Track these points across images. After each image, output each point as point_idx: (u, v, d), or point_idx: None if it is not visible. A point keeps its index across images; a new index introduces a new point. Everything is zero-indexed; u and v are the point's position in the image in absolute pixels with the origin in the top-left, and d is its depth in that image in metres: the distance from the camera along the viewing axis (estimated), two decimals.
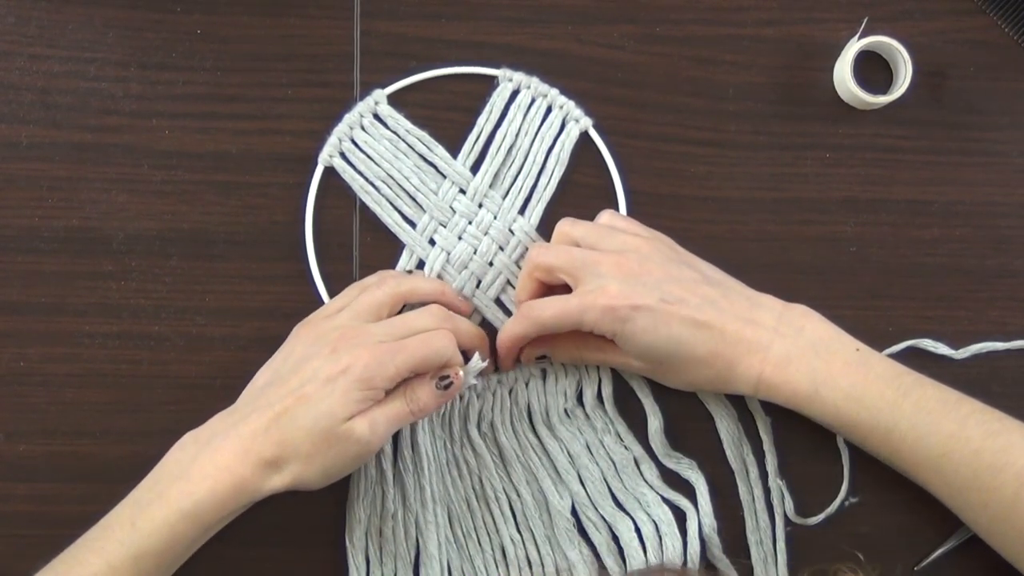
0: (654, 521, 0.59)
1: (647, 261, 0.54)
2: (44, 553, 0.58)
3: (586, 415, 0.60)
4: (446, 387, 0.54)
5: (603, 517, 0.59)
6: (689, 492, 0.60)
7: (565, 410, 0.60)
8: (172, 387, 0.60)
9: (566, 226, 0.58)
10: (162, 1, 0.62)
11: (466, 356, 0.56)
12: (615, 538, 0.59)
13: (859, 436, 0.55)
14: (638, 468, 0.60)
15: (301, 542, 0.60)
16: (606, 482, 0.60)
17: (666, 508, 0.59)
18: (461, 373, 0.54)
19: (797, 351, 0.54)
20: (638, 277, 0.54)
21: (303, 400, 0.50)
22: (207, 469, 0.50)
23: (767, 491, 0.61)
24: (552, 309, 0.55)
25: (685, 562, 0.59)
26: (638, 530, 0.59)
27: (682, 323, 0.53)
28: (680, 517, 0.59)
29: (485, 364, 0.56)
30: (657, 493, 0.59)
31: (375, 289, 0.56)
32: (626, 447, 0.60)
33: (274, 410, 0.51)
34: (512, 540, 0.59)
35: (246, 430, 0.51)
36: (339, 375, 0.50)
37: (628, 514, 0.59)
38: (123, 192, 0.61)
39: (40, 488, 0.59)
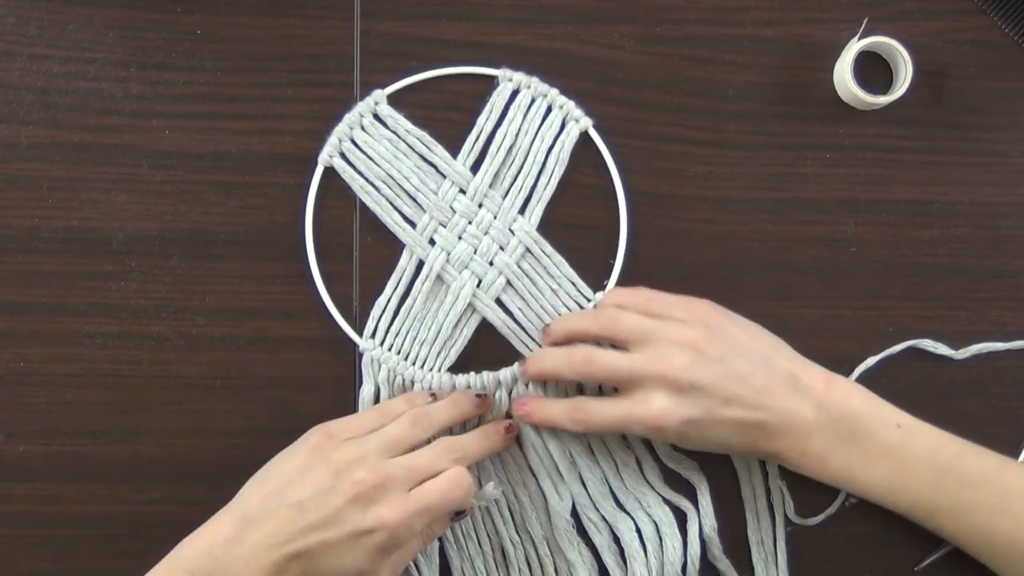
0: (654, 521, 0.59)
1: (695, 367, 0.53)
2: (44, 553, 0.59)
3: None
4: (460, 518, 0.56)
5: (604, 517, 0.59)
6: (691, 493, 0.60)
7: None
8: (172, 387, 0.60)
9: (612, 306, 0.57)
10: (162, 1, 0.62)
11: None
12: (616, 539, 0.59)
13: (901, 512, 0.55)
14: (640, 468, 0.60)
15: None
16: (607, 482, 0.60)
17: (667, 508, 0.59)
18: (475, 503, 0.56)
19: (836, 440, 0.54)
20: (686, 389, 0.53)
21: (327, 548, 0.50)
22: None
23: (768, 491, 0.61)
24: (599, 418, 0.55)
25: (685, 564, 0.59)
26: (639, 530, 0.59)
27: (729, 427, 0.54)
28: (681, 518, 0.59)
29: (498, 494, 0.57)
30: (658, 493, 0.59)
31: (407, 427, 0.55)
32: (629, 447, 0.60)
33: (295, 547, 0.49)
34: (512, 542, 0.59)
35: (267, 562, 0.49)
36: (365, 534, 0.50)
37: (629, 514, 0.59)
38: (123, 192, 0.61)
39: (40, 488, 0.59)
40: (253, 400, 0.60)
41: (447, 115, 0.62)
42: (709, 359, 0.54)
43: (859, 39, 0.62)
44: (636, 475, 0.60)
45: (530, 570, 0.60)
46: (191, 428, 0.60)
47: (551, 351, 0.58)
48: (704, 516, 0.59)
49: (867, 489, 0.55)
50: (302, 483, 0.51)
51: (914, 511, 0.55)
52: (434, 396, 0.58)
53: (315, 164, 0.61)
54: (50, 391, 0.59)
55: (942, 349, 0.62)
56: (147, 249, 0.60)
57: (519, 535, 0.60)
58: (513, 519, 0.60)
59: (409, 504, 0.51)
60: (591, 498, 0.59)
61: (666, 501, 0.59)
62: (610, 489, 0.60)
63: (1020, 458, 0.62)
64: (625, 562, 0.59)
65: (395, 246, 0.61)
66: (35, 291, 0.60)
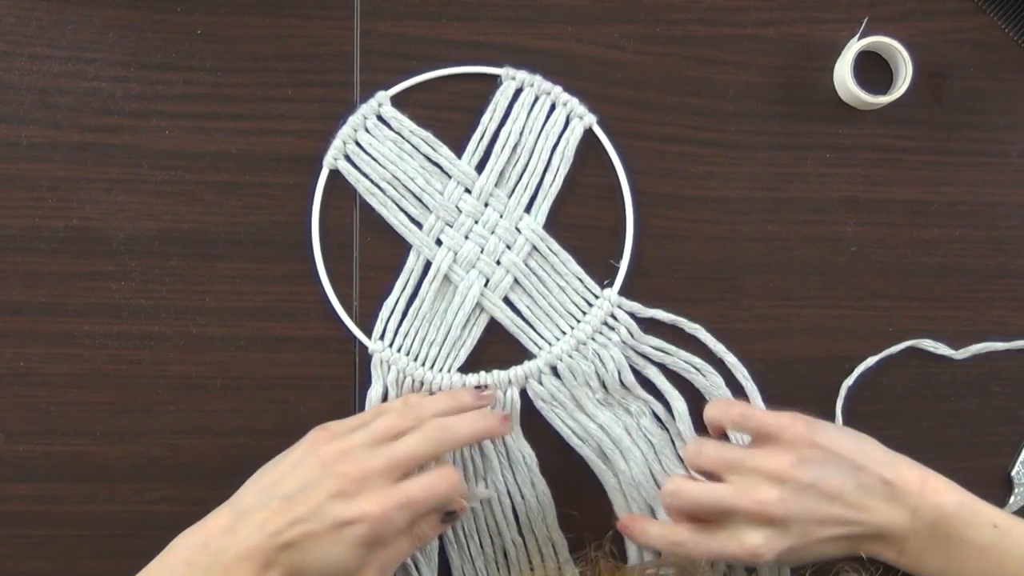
0: None
1: (785, 501, 0.52)
2: (44, 553, 0.59)
3: (618, 401, 0.61)
4: (451, 520, 0.55)
5: (645, 499, 0.60)
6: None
7: (598, 399, 0.60)
8: (172, 387, 0.60)
9: (707, 418, 0.58)
10: (162, 1, 0.62)
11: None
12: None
13: None
14: (675, 449, 0.61)
15: None
16: (647, 463, 0.60)
17: None
18: (466, 504, 0.55)
19: (932, 543, 0.53)
20: (778, 523, 0.52)
21: (311, 539, 0.50)
22: None
23: None
24: (694, 549, 0.54)
25: None
26: None
27: (826, 544, 0.53)
28: None
29: (489, 495, 0.57)
30: (694, 476, 0.60)
31: (395, 418, 0.55)
32: (664, 428, 0.60)
33: (282, 537, 0.50)
34: (514, 543, 0.59)
35: (257, 551, 0.50)
36: (347, 525, 0.50)
37: None
38: (123, 192, 0.61)
39: (40, 488, 0.59)
40: (253, 400, 0.60)
41: (449, 115, 0.62)
42: (799, 487, 0.53)
43: (859, 39, 0.62)
44: (672, 456, 0.61)
45: (532, 572, 0.60)
46: (191, 428, 0.60)
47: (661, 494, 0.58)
48: None
49: None
50: (292, 477, 0.52)
51: None
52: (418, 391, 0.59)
53: (316, 164, 0.61)
54: (50, 391, 0.59)
55: (942, 349, 0.62)
56: (147, 249, 0.60)
57: (522, 536, 0.60)
58: (517, 520, 0.60)
59: (391, 496, 0.51)
60: (633, 479, 0.60)
61: None
62: (650, 470, 0.60)
63: (1020, 458, 0.62)
64: None
65: (396, 246, 0.61)
66: (35, 291, 0.60)
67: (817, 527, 0.53)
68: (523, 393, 0.60)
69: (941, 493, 0.54)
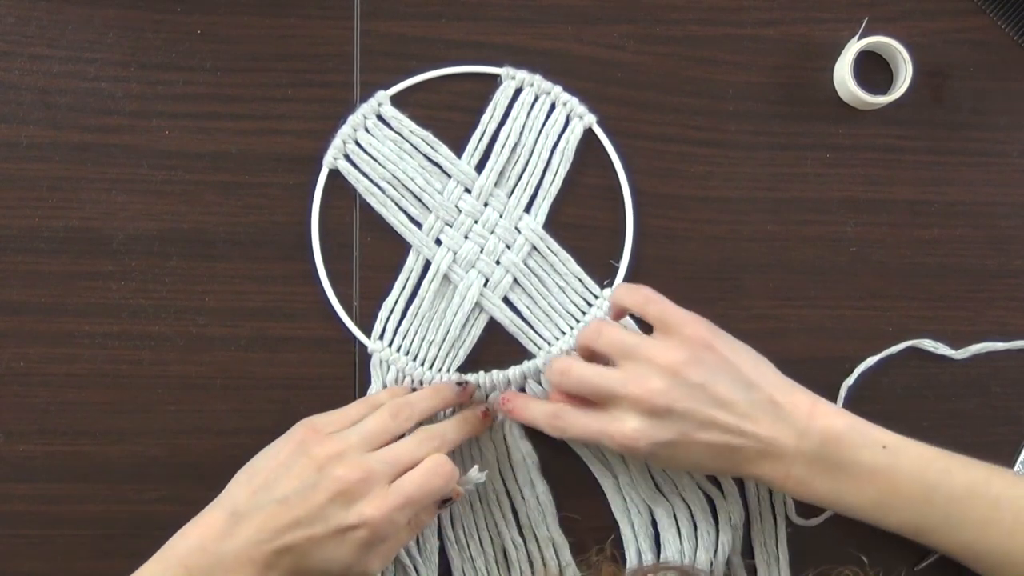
0: (688, 507, 0.59)
1: (671, 391, 0.52)
2: (44, 553, 0.59)
3: None
4: (446, 505, 0.56)
5: (644, 499, 0.60)
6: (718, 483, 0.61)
7: None
8: (172, 387, 0.60)
9: (614, 303, 0.58)
10: (162, 1, 0.62)
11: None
12: (654, 522, 0.60)
13: (890, 530, 0.54)
14: None
15: None
16: (646, 465, 0.60)
17: (701, 495, 0.59)
18: (460, 489, 0.56)
19: (820, 467, 0.53)
20: (661, 413, 0.52)
21: (313, 543, 0.50)
22: None
23: (770, 493, 0.61)
24: (575, 429, 0.54)
25: (716, 551, 0.59)
26: (675, 515, 0.59)
27: (703, 449, 0.53)
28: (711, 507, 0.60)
29: (483, 478, 0.57)
30: (693, 479, 0.60)
31: (387, 419, 0.55)
32: None
33: (283, 541, 0.50)
34: (514, 543, 0.59)
35: (258, 556, 0.50)
36: (349, 530, 0.51)
37: (665, 497, 0.60)
38: (123, 192, 0.61)
39: (40, 488, 0.59)
40: (253, 400, 0.60)
41: (449, 115, 0.62)
42: (688, 383, 0.52)
43: (859, 39, 0.62)
44: None
45: (532, 571, 0.60)
46: (191, 428, 0.60)
47: (545, 370, 0.58)
48: (731, 505, 0.59)
49: (854, 510, 0.54)
50: (287, 478, 0.52)
51: (903, 529, 0.54)
52: (413, 389, 0.59)
53: (316, 164, 0.61)
54: (50, 391, 0.59)
55: (942, 349, 0.62)
56: (147, 249, 0.60)
57: (522, 536, 0.60)
58: (517, 520, 0.60)
59: (390, 498, 0.51)
60: (632, 479, 0.60)
61: (699, 487, 0.60)
62: (650, 472, 0.60)
63: (1020, 458, 0.62)
64: (659, 546, 0.59)
65: (396, 246, 0.61)
66: (35, 291, 0.60)
67: (698, 428, 0.52)
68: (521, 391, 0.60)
69: (830, 416, 0.54)
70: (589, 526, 0.60)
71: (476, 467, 0.56)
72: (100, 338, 0.60)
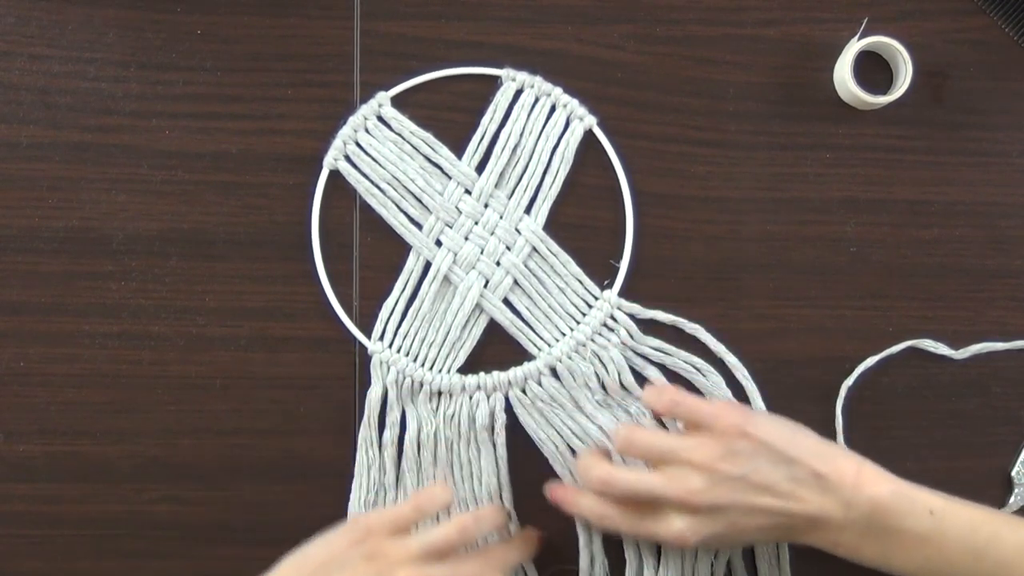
0: None
1: (712, 489, 0.53)
2: (44, 553, 0.59)
3: (617, 402, 0.60)
4: None
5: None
6: None
7: (597, 400, 0.60)
8: (172, 387, 0.60)
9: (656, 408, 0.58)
10: (162, 1, 0.62)
11: None
12: None
13: None
14: None
15: (301, 542, 0.60)
16: (647, 465, 0.60)
17: None
18: None
19: (868, 534, 0.53)
20: (704, 511, 0.53)
21: None
22: None
23: None
24: (625, 529, 0.55)
25: (717, 552, 0.59)
26: None
27: (754, 532, 0.53)
28: None
29: None
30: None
31: (453, 533, 0.55)
32: (663, 428, 0.60)
33: None
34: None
35: None
36: None
37: None
38: (123, 192, 0.61)
39: (40, 488, 0.59)
40: (253, 400, 0.60)
41: (450, 115, 0.62)
42: (729, 477, 0.53)
43: (859, 39, 0.62)
44: None
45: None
46: (191, 428, 0.60)
47: (580, 462, 0.58)
48: None
49: (904, 571, 0.54)
50: (340, 574, 0.52)
51: None
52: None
53: (316, 164, 0.61)
54: (50, 391, 0.59)
55: (942, 349, 0.62)
56: (147, 249, 0.60)
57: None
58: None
59: None
60: None
61: None
62: None
63: (1020, 458, 0.62)
64: (659, 549, 0.59)
65: (396, 246, 0.61)
66: (35, 291, 0.60)
67: (745, 516, 0.53)
68: (507, 406, 0.60)
69: (875, 483, 0.53)
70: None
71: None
72: (100, 338, 0.60)
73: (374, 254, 0.61)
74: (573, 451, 0.60)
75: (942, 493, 0.54)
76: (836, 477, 0.53)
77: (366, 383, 0.60)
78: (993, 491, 0.62)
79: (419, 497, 0.57)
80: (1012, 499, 0.62)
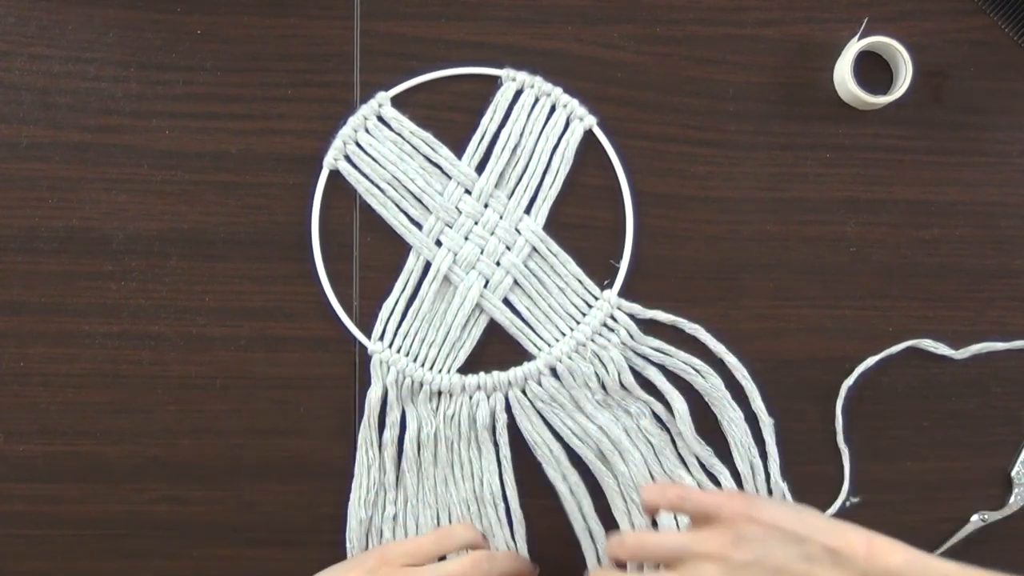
0: None
1: (733, 573, 0.52)
2: (44, 553, 0.59)
3: (617, 402, 0.61)
4: None
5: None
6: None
7: (597, 400, 0.60)
8: (172, 387, 0.60)
9: (645, 504, 0.58)
10: (162, 1, 0.62)
11: None
12: (654, 522, 0.60)
13: None
14: (676, 450, 0.61)
15: (301, 542, 0.60)
16: (647, 465, 0.60)
17: None
18: None
19: None
20: None
21: None
22: None
23: (770, 492, 0.61)
24: None
25: None
26: (677, 521, 0.60)
27: None
28: None
29: None
30: (694, 476, 0.60)
31: (468, 567, 0.55)
32: (664, 428, 0.61)
33: None
34: (507, 544, 0.60)
35: None
36: None
37: None
38: (123, 192, 0.61)
39: (40, 488, 0.59)
40: (253, 400, 0.60)
41: (450, 115, 0.62)
42: (742, 564, 0.52)
43: (859, 39, 0.62)
44: (673, 457, 0.61)
45: None
46: (191, 428, 0.60)
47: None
48: None
49: None
50: None
51: None
52: (485, 538, 0.59)
53: (316, 164, 0.61)
54: (50, 391, 0.59)
55: (942, 349, 0.62)
56: (147, 249, 0.60)
57: (513, 539, 0.60)
58: (509, 521, 0.60)
59: None
60: (633, 480, 0.60)
61: (699, 485, 0.60)
62: (650, 472, 0.60)
63: (1020, 458, 0.62)
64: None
65: (396, 246, 0.61)
66: (35, 291, 0.60)
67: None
68: (507, 405, 0.61)
69: (889, 553, 0.53)
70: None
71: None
72: (100, 338, 0.60)
73: (374, 254, 0.61)
74: (570, 454, 0.60)
75: (955, 561, 0.53)
76: (849, 550, 0.52)
77: (366, 383, 0.60)
78: (993, 491, 0.63)
79: (441, 532, 0.57)
80: (1012, 499, 0.62)
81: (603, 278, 0.62)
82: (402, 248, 0.61)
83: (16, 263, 0.60)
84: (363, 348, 0.60)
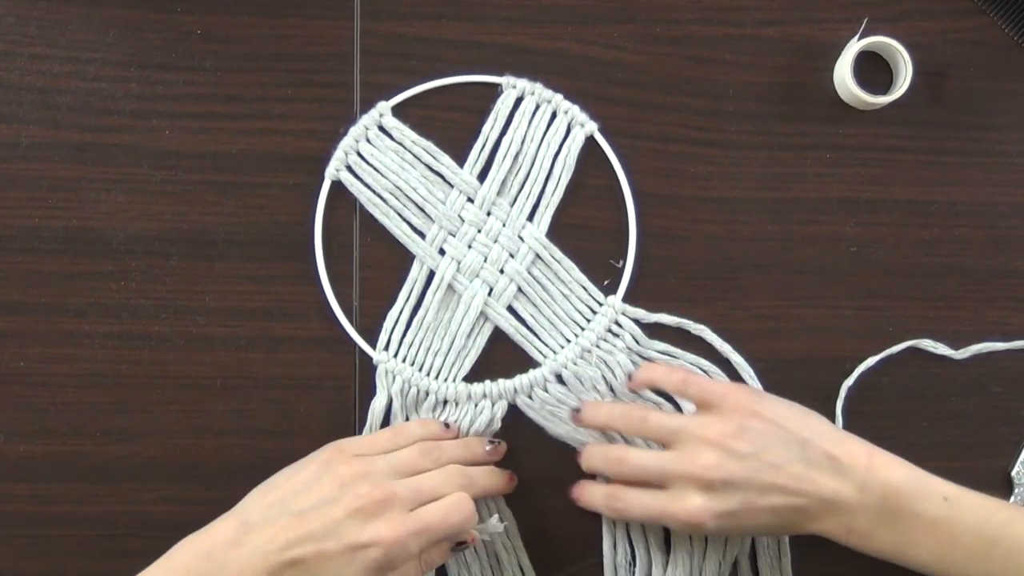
0: None
1: (725, 465, 0.53)
2: (44, 553, 0.59)
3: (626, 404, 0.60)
4: (461, 549, 0.55)
5: None
6: None
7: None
8: (172, 387, 0.60)
9: (645, 382, 0.58)
10: (162, 1, 0.62)
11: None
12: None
13: None
14: None
15: None
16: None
17: None
18: (477, 535, 0.55)
19: (881, 519, 0.53)
20: (718, 487, 0.52)
21: (322, 559, 0.50)
22: None
23: None
24: (635, 510, 0.55)
25: (725, 552, 0.59)
26: None
27: (768, 514, 0.53)
28: None
29: (501, 527, 0.56)
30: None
31: (416, 455, 0.55)
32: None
33: (292, 554, 0.49)
34: (504, 547, 0.60)
35: (262, 567, 0.49)
36: (362, 548, 0.50)
37: None
38: (123, 192, 0.61)
39: (40, 488, 0.59)
40: (253, 400, 0.60)
41: (451, 115, 0.62)
42: (740, 454, 0.52)
43: (859, 39, 0.62)
44: None
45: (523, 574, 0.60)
46: (191, 428, 0.60)
47: (592, 449, 0.58)
48: None
49: (916, 564, 0.53)
50: (307, 494, 0.51)
51: None
52: (447, 426, 0.59)
53: (316, 164, 0.61)
54: (50, 391, 0.59)
55: (942, 349, 0.62)
56: (147, 249, 0.60)
57: (509, 540, 0.60)
58: (505, 527, 0.60)
59: (408, 523, 0.51)
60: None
61: None
62: None
63: (1020, 458, 0.62)
64: (669, 543, 0.59)
65: (395, 247, 0.61)
66: (35, 291, 0.60)
67: (759, 495, 0.52)
68: (512, 407, 0.61)
69: (889, 467, 0.53)
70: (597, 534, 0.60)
71: (496, 516, 0.56)
72: (100, 338, 0.60)
73: (374, 255, 0.61)
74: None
75: (955, 484, 0.54)
76: (849, 460, 0.53)
77: (366, 383, 0.60)
78: (993, 491, 0.62)
79: (396, 428, 0.58)
80: (1012, 499, 0.62)
81: (605, 277, 0.62)
82: (403, 248, 0.61)
83: (16, 263, 0.60)
84: (363, 349, 0.60)
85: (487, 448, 0.59)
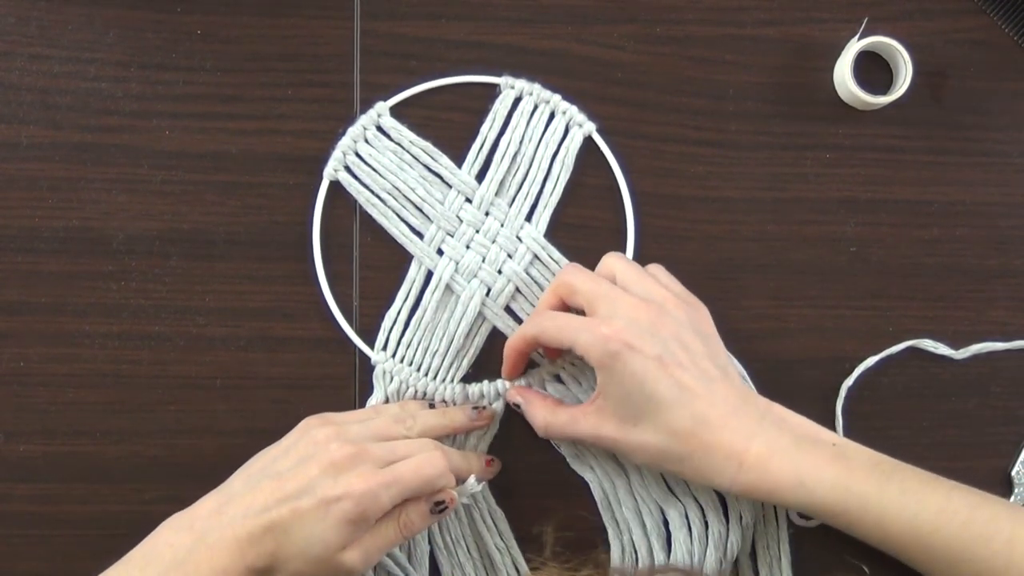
0: (700, 507, 0.59)
1: (665, 316, 0.53)
2: (44, 553, 0.59)
3: None
4: (440, 510, 0.54)
5: (656, 500, 0.60)
6: None
7: None
8: (172, 387, 0.60)
9: (611, 259, 0.57)
10: (162, 1, 0.62)
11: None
12: (665, 522, 0.60)
13: (846, 522, 0.53)
14: None
15: None
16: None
17: (713, 494, 0.59)
18: (455, 496, 0.55)
19: (780, 446, 0.53)
20: (649, 327, 0.53)
21: (298, 516, 0.50)
22: (202, 569, 0.49)
23: None
24: (556, 320, 0.55)
25: (726, 550, 0.59)
26: (687, 515, 0.59)
27: (671, 384, 0.52)
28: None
29: (480, 488, 0.56)
30: None
31: (390, 422, 0.56)
32: None
33: (269, 516, 0.50)
34: (497, 548, 0.60)
35: (242, 532, 0.50)
36: (334, 501, 0.50)
37: (678, 498, 0.59)
38: (123, 192, 0.61)
39: (40, 488, 0.59)
40: (253, 400, 0.60)
41: (450, 115, 0.62)
42: (686, 325, 0.54)
43: (859, 39, 0.62)
44: None
45: (519, 574, 0.60)
46: (191, 428, 0.60)
47: (549, 288, 0.58)
48: (743, 507, 0.59)
49: (815, 496, 0.52)
50: (284, 458, 0.53)
51: (863, 519, 0.52)
52: (432, 405, 0.59)
53: (316, 164, 0.61)
54: (50, 391, 0.59)
55: (942, 349, 0.62)
56: (147, 249, 0.60)
57: (503, 541, 0.60)
58: (497, 526, 0.60)
59: (379, 475, 0.51)
60: (643, 480, 0.60)
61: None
62: (661, 474, 0.60)
63: (1020, 458, 0.62)
64: (670, 545, 0.59)
65: (395, 247, 0.61)
66: (35, 291, 0.60)
67: (672, 365, 0.52)
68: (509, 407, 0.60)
69: (785, 410, 0.56)
70: (592, 525, 0.60)
71: (473, 477, 0.56)
72: (100, 338, 0.60)
73: (374, 254, 0.61)
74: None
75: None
76: (754, 399, 0.56)
77: (366, 382, 0.60)
78: (993, 491, 0.62)
79: (376, 407, 0.59)
80: (1012, 499, 0.62)
81: None
82: (402, 248, 0.61)
83: (16, 263, 0.60)
84: (363, 349, 0.60)
85: (471, 414, 0.59)
